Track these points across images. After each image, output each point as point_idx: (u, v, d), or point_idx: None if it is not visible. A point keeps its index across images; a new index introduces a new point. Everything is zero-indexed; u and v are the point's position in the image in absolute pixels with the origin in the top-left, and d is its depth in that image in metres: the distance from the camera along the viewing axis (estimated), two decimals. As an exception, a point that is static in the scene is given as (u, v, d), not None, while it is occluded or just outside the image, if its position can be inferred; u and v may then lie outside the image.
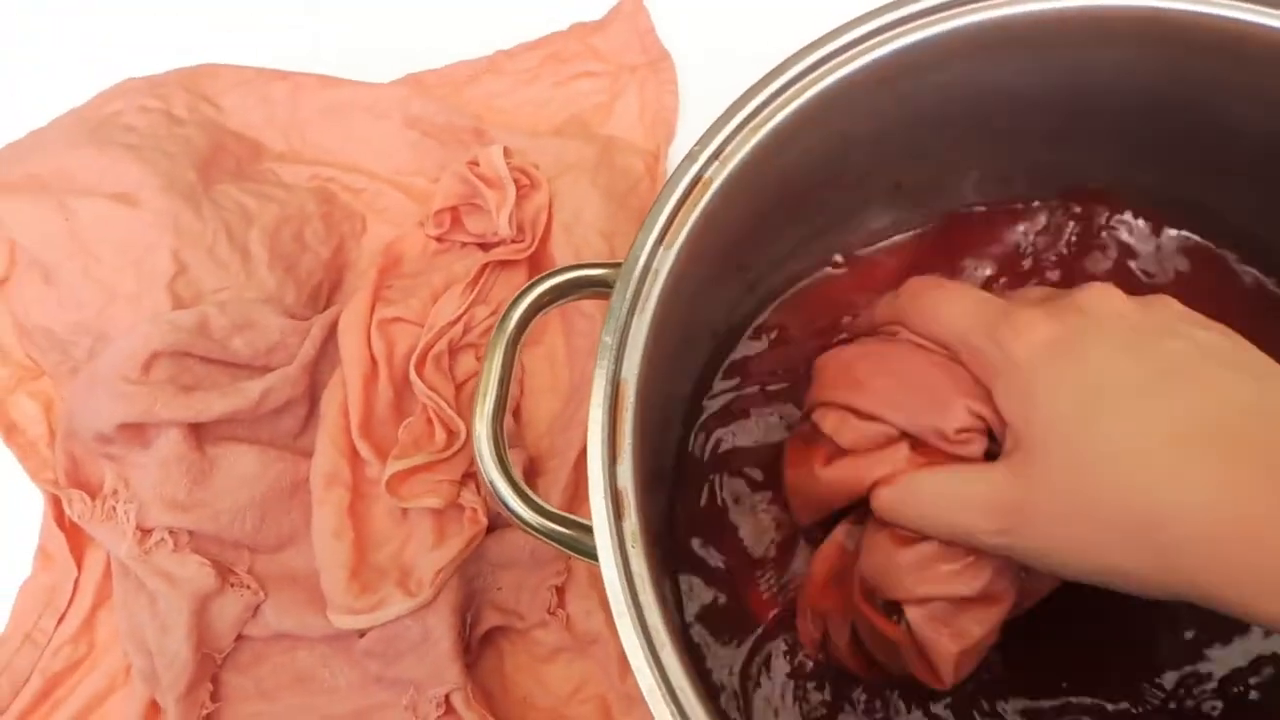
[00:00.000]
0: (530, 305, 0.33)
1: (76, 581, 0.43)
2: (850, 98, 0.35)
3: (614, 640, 0.41)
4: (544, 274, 0.33)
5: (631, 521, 0.29)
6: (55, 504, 0.44)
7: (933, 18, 0.34)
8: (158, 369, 0.41)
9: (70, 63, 0.54)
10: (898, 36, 0.34)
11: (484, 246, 0.47)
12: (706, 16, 0.53)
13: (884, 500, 0.31)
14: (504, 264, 0.46)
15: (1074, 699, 0.36)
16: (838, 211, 0.42)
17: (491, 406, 0.32)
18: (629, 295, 0.31)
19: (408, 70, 0.53)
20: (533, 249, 0.46)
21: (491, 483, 0.31)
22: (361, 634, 0.41)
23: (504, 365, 0.32)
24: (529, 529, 0.31)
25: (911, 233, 0.43)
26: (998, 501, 0.28)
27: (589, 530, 0.30)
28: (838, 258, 0.43)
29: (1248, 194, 0.37)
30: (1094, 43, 0.35)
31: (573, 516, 0.31)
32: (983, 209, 0.43)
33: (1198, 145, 0.37)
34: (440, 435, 0.42)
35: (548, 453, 0.45)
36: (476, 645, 0.42)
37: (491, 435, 0.32)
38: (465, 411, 0.43)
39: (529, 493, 0.31)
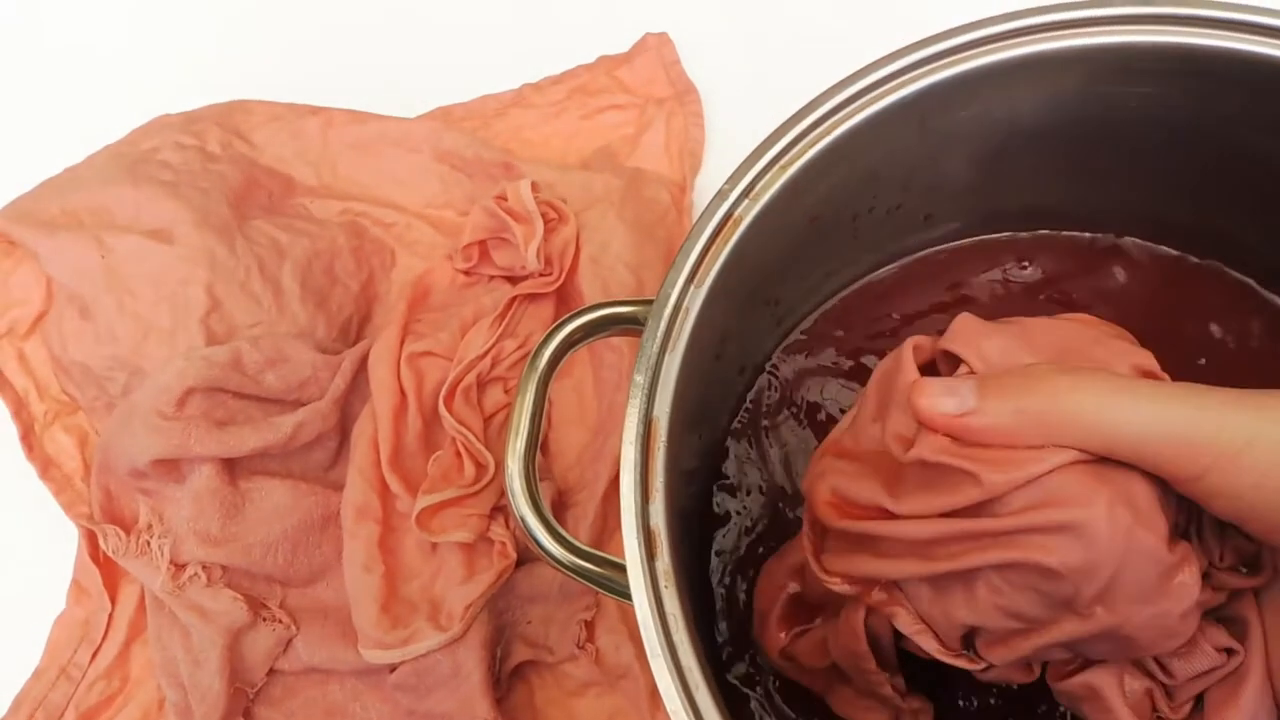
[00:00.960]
0: (561, 343, 0.33)
1: (110, 616, 0.44)
2: (879, 134, 0.35)
3: (644, 674, 0.41)
4: (574, 312, 0.33)
5: (664, 561, 0.29)
6: (90, 538, 0.44)
7: (962, 55, 0.34)
8: (192, 404, 0.42)
9: (105, 99, 0.55)
10: (927, 74, 0.34)
11: (512, 280, 0.47)
12: (731, 49, 0.54)
13: None
14: (532, 297, 0.47)
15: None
16: (868, 243, 0.42)
17: (524, 444, 0.32)
18: (660, 334, 0.31)
19: (437, 104, 0.53)
20: (560, 282, 0.46)
21: (524, 520, 0.31)
22: (392, 668, 0.41)
23: (535, 403, 0.32)
24: (560, 567, 0.31)
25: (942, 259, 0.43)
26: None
27: (620, 568, 0.30)
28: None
29: (1278, 227, 0.37)
30: (1121, 78, 0.35)
31: (604, 554, 0.31)
32: (1010, 238, 0.43)
33: (1225, 178, 0.37)
34: (469, 469, 0.42)
35: (576, 485, 0.45)
36: (507, 679, 0.42)
37: (523, 472, 0.32)
38: (494, 445, 0.44)
39: (560, 530, 0.31)
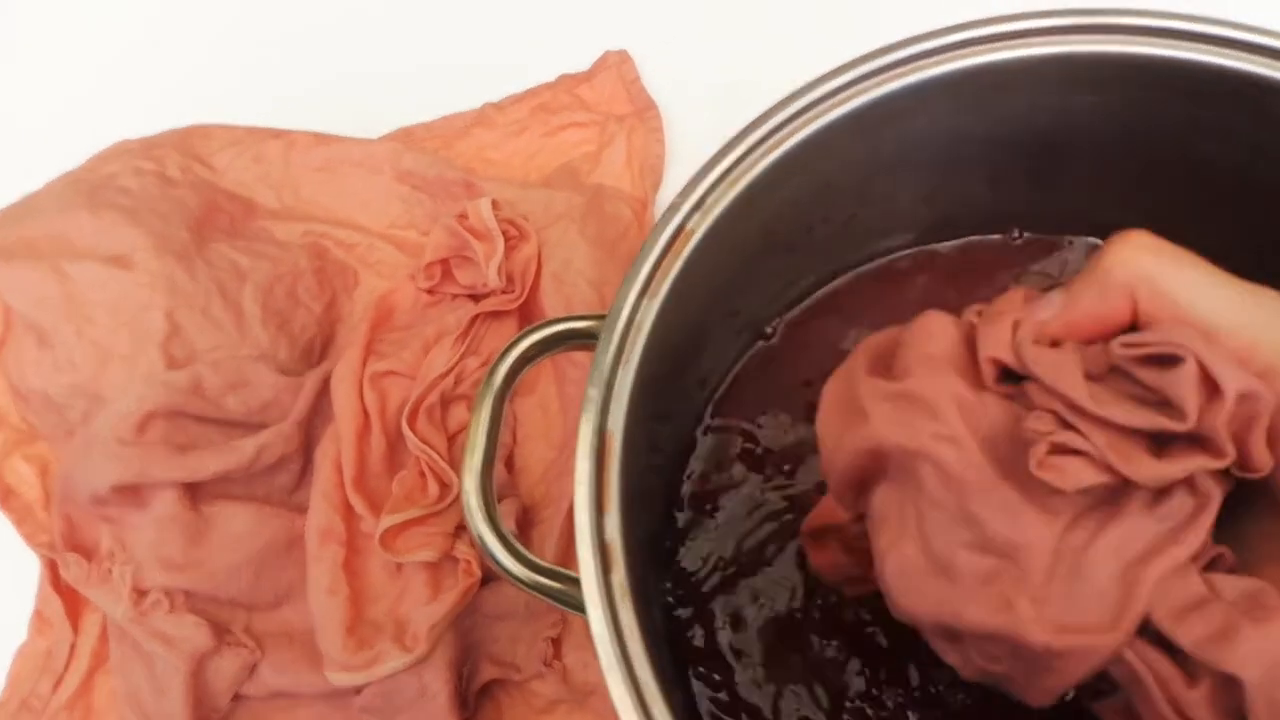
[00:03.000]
0: (517, 359, 0.33)
1: (73, 646, 0.43)
2: (831, 146, 0.35)
3: (612, 691, 0.41)
4: (530, 328, 0.33)
5: (620, 574, 0.29)
6: (51, 568, 0.44)
7: (912, 65, 0.34)
8: (152, 430, 0.41)
9: (62, 125, 0.55)
10: (877, 85, 0.35)
11: (475, 298, 0.47)
12: (691, 65, 0.54)
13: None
14: (495, 315, 0.47)
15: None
16: (825, 255, 0.42)
17: (480, 461, 0.32)
18: (613, 347, 0.31)
19: (399, 124, 0.53)
20: (523, 299, 0.46)
21: (481, 538, 0.31)
22: (358, 691, 0.40)
23: (492, 420, 0.32)
24: (519, 584, 0.31)
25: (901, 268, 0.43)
26: None
27: (579, 583, 0.30)
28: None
29: (1224, 231, 0.37)
30: (1070, 87, 0.35)
31: (562, 570, 0.31)
32: (966, 244, 0.43)
33: (1174, 184, 0.38)
34: (433, 488, 0.42)
35: (542, 501, 0.45)
36: (474, 698, 0.42)
37: (480, 490, 0.32)
38: (458, 463, 0.43)
39: (518, 547, 0.31)
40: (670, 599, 0.39)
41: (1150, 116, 0.35)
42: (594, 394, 0.31)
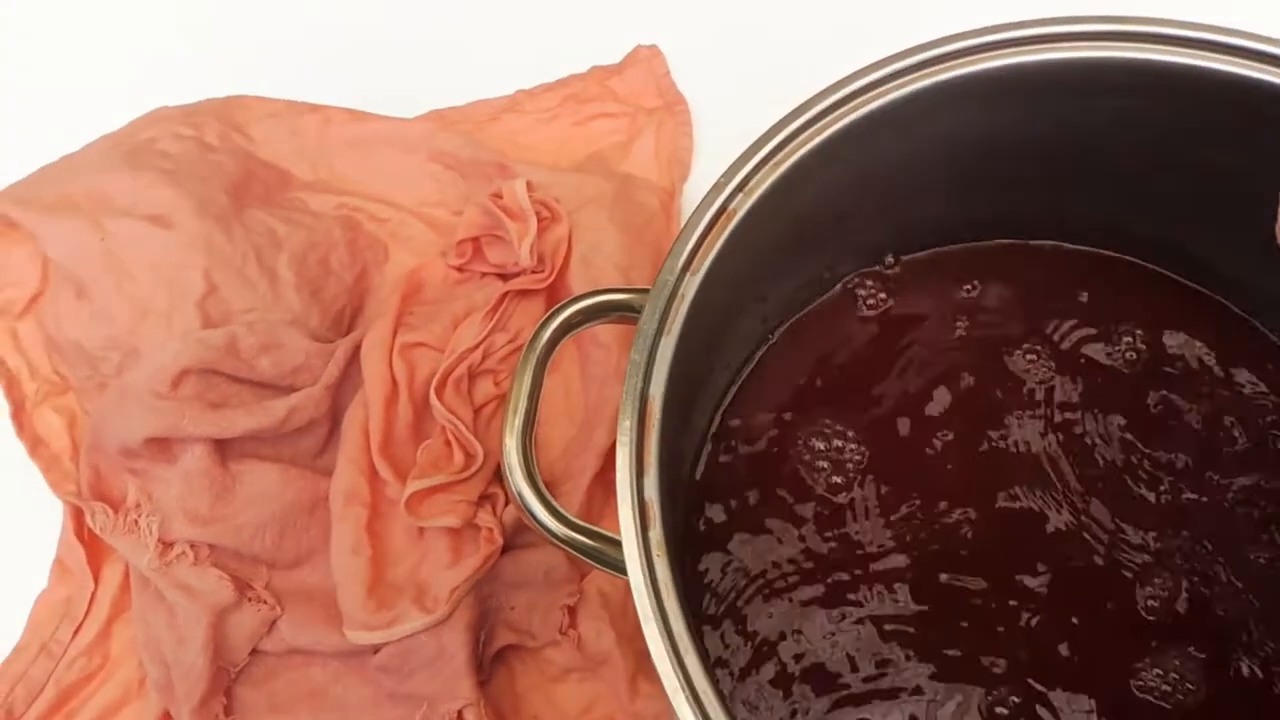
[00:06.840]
0: (560, 326, 0.34)
1: (93, 594, 0.44)
2: (867, 138, 0.36)
3: (624, 661, 0.42)
4: (574, 297, 0.35)
5: (657, 531, 0.30)
6: (76, 516, 0.44)
7: (946, 64, 0.36)
8: (186, 385, 0.42)
9: (102, 93, 0.56)
10: (912, 81, 0.36)
11: (503, 276, 0.48)
12: (720, 62, 0.56)
13: None
14: (523, 293, 0.48)
15: None
16: (853, 247, 0.43)
17: (521, 422, 0.33)
18: (658, 316, 0.32)
19: (432, 107, 0.55)
20: (551, 279, 0.47)
21: (521, 495, 0.32)
22: (376, 650, 0.41)
23: (534, 382, 0.34)
24: (555, 540, 0.32)
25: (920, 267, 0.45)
26: None
27: (611, 542, 0.31)
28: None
29: (1241, 245, 0.39)
30: (1095, 91, 0.37)
31: (597, 528, 0.32)
32: (986, 246, 0.44)
33: (1193, 195, 0.39)
34: (459, 457, 0.43)
35: (562, 476, 0.46)
36: (489, 663, 0.43)
37: (521, 449, 0.33)
38: (483, 435, 0.45)
39: (555, 505, 0.32)
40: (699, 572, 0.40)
41: (1173, 124, 0.37)
42: (638, 359, 0.32)
